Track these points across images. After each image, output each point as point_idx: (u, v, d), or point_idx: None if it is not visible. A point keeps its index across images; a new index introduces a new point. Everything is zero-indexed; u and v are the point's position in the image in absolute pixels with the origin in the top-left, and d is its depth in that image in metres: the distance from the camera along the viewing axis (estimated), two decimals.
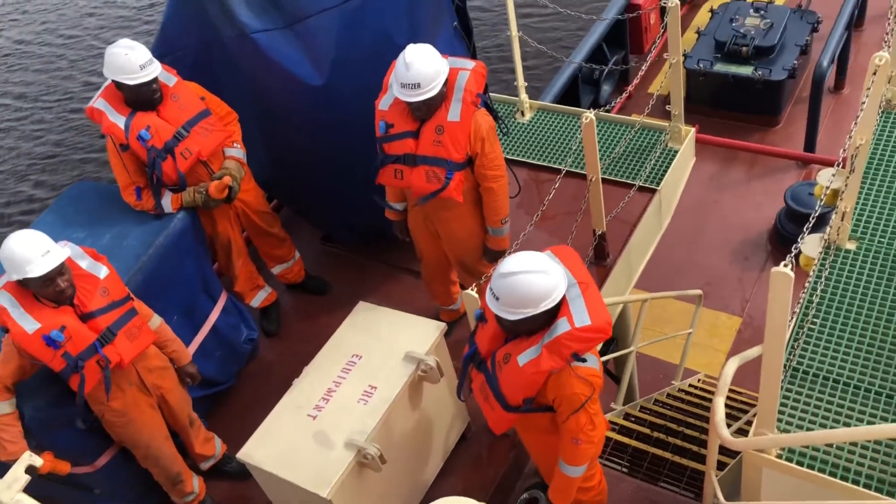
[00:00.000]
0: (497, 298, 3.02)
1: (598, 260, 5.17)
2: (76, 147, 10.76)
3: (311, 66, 4.47)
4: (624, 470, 4.89)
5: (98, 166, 10.46)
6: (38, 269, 3.36)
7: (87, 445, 3.97)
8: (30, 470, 2.19)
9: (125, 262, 4.11)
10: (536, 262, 3.00)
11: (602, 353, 5.39)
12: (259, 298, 5.17)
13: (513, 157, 6.07)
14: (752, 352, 3.44)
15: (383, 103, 4.09)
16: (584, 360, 3.05)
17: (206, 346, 4.63)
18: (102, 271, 3.63)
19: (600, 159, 4.89)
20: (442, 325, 3.99)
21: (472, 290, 3.78)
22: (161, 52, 4.55)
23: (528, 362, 3.07)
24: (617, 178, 5.71)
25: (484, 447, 4.48)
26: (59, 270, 3.43)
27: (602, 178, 4.83)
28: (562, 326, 3.01)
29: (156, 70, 4.16)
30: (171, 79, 4.33)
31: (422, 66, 3.77)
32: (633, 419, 5.60)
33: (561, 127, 6.34)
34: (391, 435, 3.74)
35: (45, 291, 3.44)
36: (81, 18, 13.38)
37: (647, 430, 5.25)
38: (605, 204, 4.98)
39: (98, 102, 4.26)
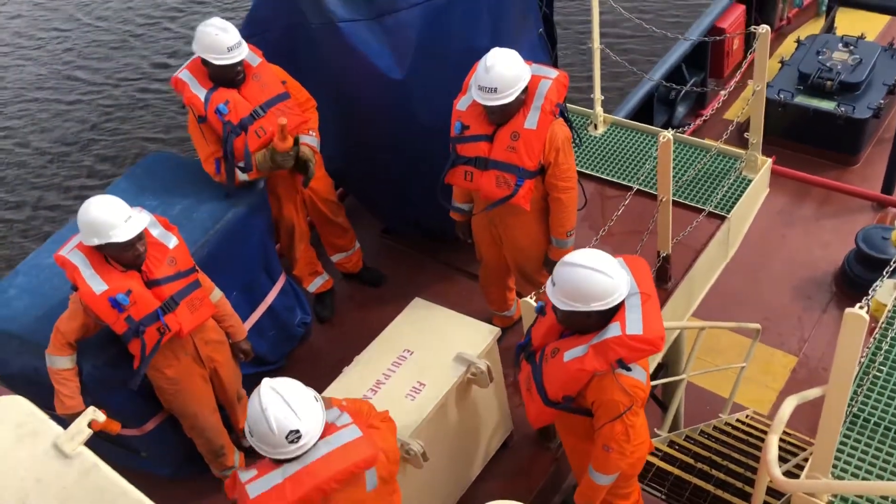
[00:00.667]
0: (554, 284, 3.05)
1: (660, 282, 5.09)
2: (144, 124, 11.00)
3: (392, 60, 4.50)
4: (663, 497, 4.81)
5: (162, 147, 10.68)
6: (122, 234, 3.44)
7: (138, 409, 4.06)
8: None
9: (192, 234, 4.19)
10: (604, 262, 3.01)
11: (652, 377, 5.35)
12: (316, 284, 5.23)
13: (582, 170, 6.02)
14: (812, 393, 3.35)
15: (461, 104, 4.10)
16: (629, 370, 3.02)
17: (262, 324, 4.70)
18: (172, 241, 3.70)
19: (672, 180, 4.81)
20: (496, 331, 3.97)
21: (530, 298, 3.76)
22: (248, 32, 4.63)
23: (573, 359, 3.08)
24: (687, 202, 5.61)
25: (525, 458, 4.44)
26: (139, 235, 3.51)
27: (671, 200, 4.76)
28: (612, 330, 3.01)
29: (242, 53, 4.23)
30: (255, 59, 4.40)
31: (502, 71, 3.76)
32: (676, 447, 5.50)
33: (633, 144, 6.26)
34: (435, 433, 3.74)
35: (123, 255, 3.51)
36: (153, 4, 13.62)
37: (690, 460, 5.15)
38: (672, 226, 4.90)
39: (183, 73, 4.35)
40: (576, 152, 6.09)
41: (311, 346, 5.17)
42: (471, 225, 4.56)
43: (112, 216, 3.46)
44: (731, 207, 5.51)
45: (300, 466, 2.66)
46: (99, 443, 3.86)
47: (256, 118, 4.35)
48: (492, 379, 3.88)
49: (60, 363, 3.63)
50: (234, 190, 4.44)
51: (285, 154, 4.36)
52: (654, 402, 6.17)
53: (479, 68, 3.82)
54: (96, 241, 3.48)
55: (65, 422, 3.62)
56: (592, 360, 3.02)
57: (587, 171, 6.02)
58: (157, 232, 3.68)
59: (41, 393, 3.95)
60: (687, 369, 5.59)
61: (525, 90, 3.86)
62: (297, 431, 2.61)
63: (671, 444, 5.51)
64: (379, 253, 5.72)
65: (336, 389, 3.87)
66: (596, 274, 2.98)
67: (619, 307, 3.03)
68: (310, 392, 2.75)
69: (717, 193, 5.58)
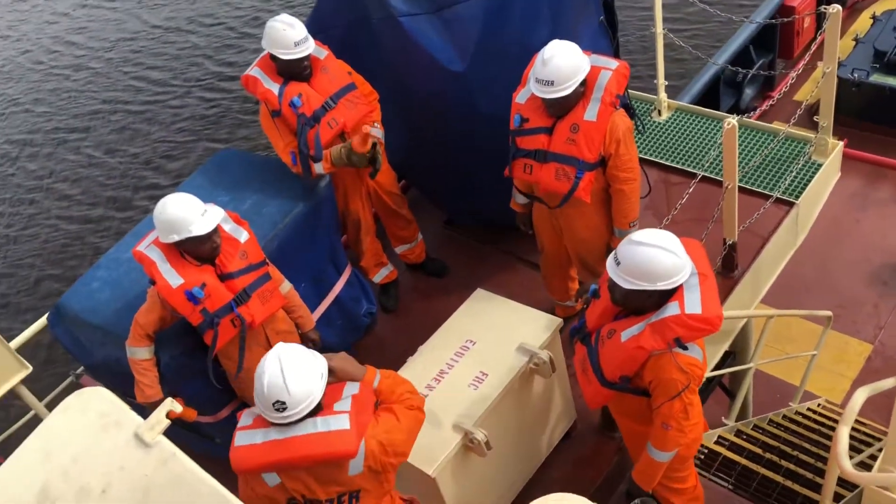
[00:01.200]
0: (618, 263, 3.04)
1: (726, 271, 5.02)
2: (210, 125, 11.20)
3: (453, 52, 4.55)
4: (730, 487, 4.76)
5: (229, 146, 10.86)
6: (200, 227, 3.58)
7: (214, 397, 4.22)
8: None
9: (262, 228, 4.31)
10: (669, 240, 3.02)
11: (718, 366, 5.29)
12: (381, 275, 5.33)
13: (645, 157, 5.96)
14: (887, 383, 3.28)
15: (520, 96, 4.11)
16: (685, 349, 3.02)
17: (329, 314, 4.81)
18: (243, 235, 3.83)
19: (738, 166, 4.73)
20: (558, 321, 3.99)
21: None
22: (313, 29, 4.71)
23: (630, 338, 3.09)
24: (753, 188, 5.50)
25: (588, 447, 4.47)
26: (215, 229, 3.66)
27: (737, 187, 4.68)
28: (671, 309, 3.02)
29: (309, 48, 4.33)
30: (321, 52, 4.49)
31: (559, 64, 3.75)
32: (744, 437, 5.42)
33: (698, 129, 6.16)
34: (498, 423, 3.79)
35: (200, 249, 3.66)
36: (219, 6, 13.78)
37: (758, 450, 5.08)
38: (739, 213, 4.82)
39: (253, 70, 4.48)
40: (639, 139, 6.03)
41: (377, 335, 5.28)
42: (532, 216, 4.57)
43: (189, 212, 3.60)
44: (801, 193, 5.38)
45: (283, 436, 2.78)
46: (176, 429, 4.07)
47: (328, 109, 4.45)
48: (554, 369, 3.90)
49: (140, 354, 3.81)
50: (311, 181, 4.54)
51: (361, 155, 4.46)
52: (722, 390, 6.09)
53: (537, 61, 3.82)
54: (175, 238, 3.62)
55: (143, 410, 3.83)
56: (650, 339, 3.03)
57: (651, 158, 5.96)
58: (228, 227, 3.82)
59: (121, 381, 4.18)
60: (755, 357, 5.50)
61: (584, 82, 3.85)
62: (284, 403, 2.73)
63: (738, 433, 5.44)
64: (442, 244, 5.79)
65: None
66: (663, 252, 2.98)
67: (678, 288, 3.04)
68: (314, 367, 2.82)
69: (786, 179, 5.46)
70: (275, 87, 4.39)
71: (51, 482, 2.28)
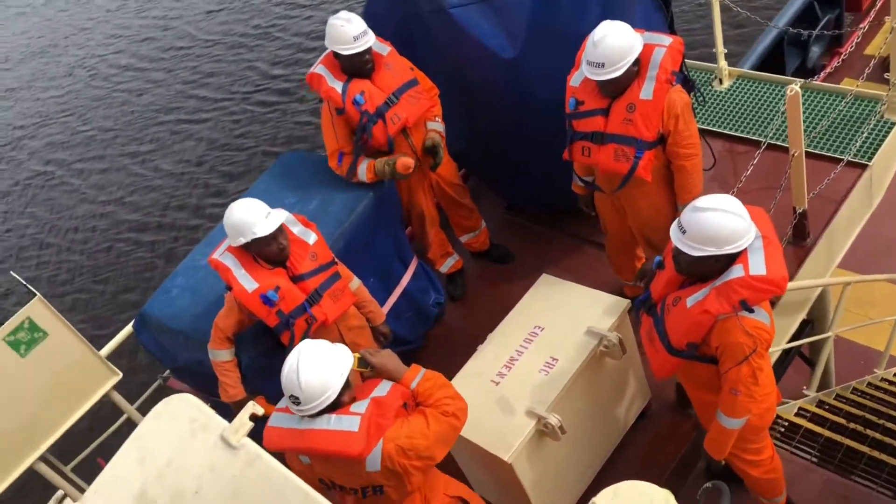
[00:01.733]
0: (683, 232, 3.03)
1: (798, 240, 4.90)
2: (268, 131, 11.34)
3: (504, 39, 4.56)
4: (814, 460, 4.68)
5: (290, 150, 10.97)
6: (263, 229, 3.71)
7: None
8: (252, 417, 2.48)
9: (329, 227, 4.42)
10: (733, 203, 3.00)
11: (796, 336, 5.19)
12: (447, 265, 5.40)
13: (708, 128, 5.84)
14: None
15: (574, 79, 4.09)
16: (751, 311, 3.00)
17: (398, 307, 4.91)
18: (311, 237, 3.94)
19: (805, 131, 4.61)
20: (626, 302, 3.98)
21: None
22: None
23: (695, 303, 3.09)
24: (822, 152, 5.34)
25: (665, 425, 4.45)
26: (280, 230, 3.78)
27: (805, 152, 4.56)
28: (735, 272, 3.00)
29: (368, 41, 4.38)
30: (384, 48, 4.56)
31: (610, 45, 3.72)
32: (826, 407, 5.32)
33: (763, 96, 6.00)
34: (571, 407, 3.81)
35: (267, 250, 3.78)
36: (270, 10, 13.87)
37: (842, 420, 4.98)
38: (808, 180, 4.69)
39: (318, 68, 4.57)
40: (701, 110, 5.93)
41: (447, 324, 5.35)
42: (593, 197, 4.56)
43: (252, 215, 3.74)
44: (873, 154, 5.19)
45: (302, 426, 2.97)
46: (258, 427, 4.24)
47: (391, 105, 4.50)
48: (625, 351, 3.90)
49: (222, 356, 3.98)
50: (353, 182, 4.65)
51: (401, 174, 4.57)
52: (802, 360, 5.97)
53: (588, 43, 3.80)
54: (242, 241, 3.76)
55: (227, 408, 3.99)
56: (715, 303, 3.02)
57: (714, 129, 5.84)
58: (297, 230, 3.94)
59: (205, 382, 4.37)
60: (833, 325, 5.38)
61: (637, 61, 3.81)
62: (297, 398, 2.91)
63: (820, 403, 5.35)
64: (504, 230, 5.81)
65: (472, 368, 4.02)
66: (728, 216, 2.96)
67: (741, 252, 3.02)
68: (332, 366, 2.94)
69: (857, 140, 5.28)
70: (338, 85, 4.46)
71: (147, 485, 2.43)
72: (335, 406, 2.95)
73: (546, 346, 3.94)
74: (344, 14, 4.42)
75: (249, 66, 12.66)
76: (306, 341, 3.01)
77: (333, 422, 2.93)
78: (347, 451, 2.88)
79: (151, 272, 9.61)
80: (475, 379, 3.95)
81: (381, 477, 2.95)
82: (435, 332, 5.29)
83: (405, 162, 4.52)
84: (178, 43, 13.85)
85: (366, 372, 3.18)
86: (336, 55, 4.45)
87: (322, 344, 3.02)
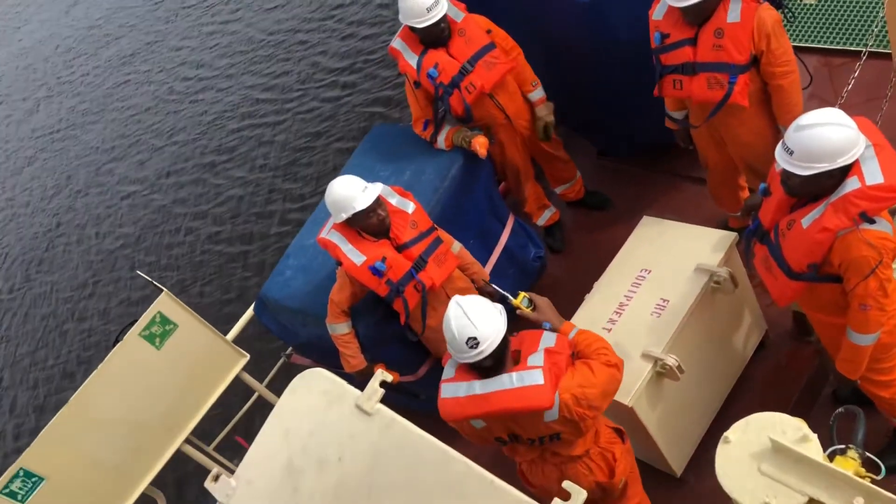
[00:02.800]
0: (791, 153, 2.95)
1: None
2: (331, 135, 11.34)
3: None
4: None
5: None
6: (362, 202, 3.83)
7: (411, 357, 4.52)
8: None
9: (425, 194, 4.51)
10: (836, 115, 2.90)
11: None
12: (544, 217, 5.42)
13: (801, 45, 5.59)
14: None
15: (657, 13, 4.01)
16: (872, 222, 2.90)
17: (500, 265, 4.96)
18: (410, 206, 4.04)
19: None
20: (733, 235, 3.92)
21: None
22: None
23: (812, 222, 3.00)
24: None
25: (784, 355, 4.38)
26: (378, 202, 3.89)
27: None
28: (851, 185, 2.91)
29: (441, 11, 4.39)
30: (458, 14, 4.53)
31: None
32: None
33: (856, 1, 5.68)
34: (687, 346, 3.80)
35: (368, 223, 3.91)
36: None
37: None
38: None
39: (396, 42, 4.64)
40: (790, 26, 5.67)
41: (551, 276, 5.38)
42: (689, 131, 4.47)
43: (350, 190, 3.87)
44: None
45: (483, 391, 3.00)
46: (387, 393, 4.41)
47: (466, 74, 4.51)
48: (736, 285, 3.85)
49: (340, 329, 4.15)
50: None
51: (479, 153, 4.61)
52: None
53: None
54: (344, 216, 3.89)
55: (352, 379, 4.17)
56: (833, 218, 2.93)
57: (807, 45, 5.58)
58: (395, 200, 4.04)
59: (326, 355, 4.57)
60: None
61: None
62: (476, 339, 2.92)
63: None
64: (598, 176, 5.76)
65: (581, 317, 4.05)
66: (835, 128, 2.87)
67: (854, 163, 2.92)
68: (491, 307, 3.02)
69: None
70: (413, 60, 4.53)
71: (293, 456, 2.60)
72: (504, 357, 3.03)
73: (655, 288, 3.93)
74: None
75: (311, 61, 12.77)
76: (456, 297, 3.09)
77: (516, 379, 2.98)
78: (539, 404, 2.94)
79: (245, 280, 9.92)
80: (587, 327, 3.96)
81: (557, 425, 3.03)
82: (539, 284, 5.31)
83: (480, 141, 4.57)
84: (238, 47, 14.07)
85: (527, 312, 3.33)
86: (411, 28, 4.48)
87: (471, 295, 3.11)
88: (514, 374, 2.98)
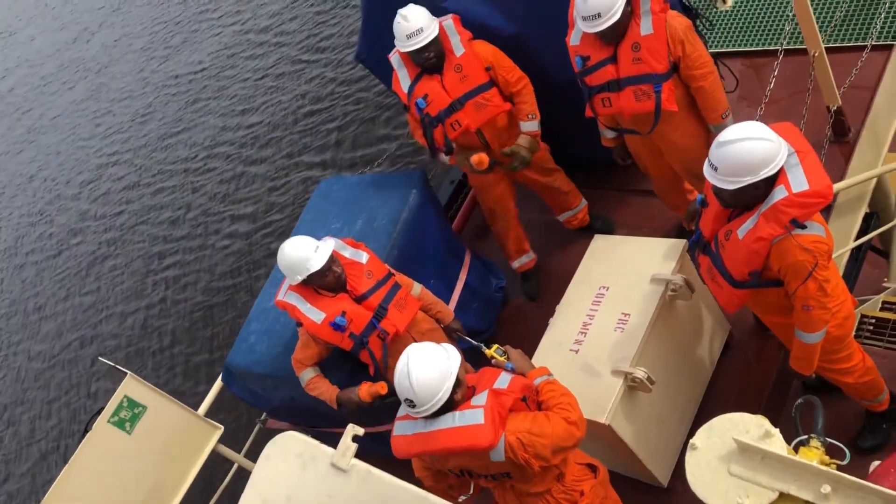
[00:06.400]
0: (715, 168, 3.05)
1: (839, 137, 4.82)
2: (311, 162, 11.31)
3: (503, 19, 4.61)
4: None
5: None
6: (316, 262, 3.82)
7: (386, 406, 4.48)
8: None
9: (380, 241, 4.54)
10: (755, 129, 3.00)
11: (863, 232, 5.09)
12: (520, 262, 5.32)
13: (723, 50, 5.78)
14: None
15: (573, 39, 4.14)
16: (804, 227, 2.99)
17: (464, 300, 4.97)
18: (363, 256, 4.05)
19: (821, 28, 4.53)
20: (683, 242, 3.99)
21: None
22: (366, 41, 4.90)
23: (746, 233, 3.09)
24: (844, 44, 5.23)
25: (751, 352, 4.44)
26: (332, 259, 3.89)
27: (826, 49, 4.49)
28: (778, 194, 3.00)
29: (425, 39, 4.25)
30: (460, 48, 4.39)
31: None
32: None
33: (768, 4, 5.89)
34: (654, 356, 3.85)
35: (325, 281, 3.89)
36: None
37: None
38: (836, 75, 4.62)
39: (394, 58, 4.54)
40: (710, 35, 5.86)
41: (514, 305, 5.40)
42: (626, 146, 4.57)
43: (302, 252, 3.85)
44: None
45: (427, 429, 3.04)
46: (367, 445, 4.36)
47: (454, 111, 4.45)
48: (693, 290, 3.92)
49: (307, 375, 4.10)
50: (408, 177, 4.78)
51: (479, 170, 4.58)
52: (877, 253, 5.85)
53: (577, 1, 3.83)
54: (299, 278, 3.88)
55: (328, 439, 4.12)
56: (766, 228, 3.02)
57: (728, 49, 5.77)
58: (348, 253, 4.05)
59: (301, 416, 4.53)
60: None
61: (628, 1, 3.82)
62: (411, 401, 2.98)
63: None
64: (540, 199, 5.79)
65: (548, 341, 4.08)
66: (753, 142, 2.96)
67: (780, 171, 3.01)
68: (440, 367, 2.99)
69: (877, 23, 5.15)
70: (406, 84, 4.48)
71: None
72: (450, 405, 3.03)
73: (615, 304, 3.98)
74: (405, 9, 4.29)
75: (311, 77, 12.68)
76: (413, 345, 3.09)
77: (458, 418, 3.00)
78: (478, 444, 2.95)
79: (217, 327, 9.88)
80: (554, 351, 4.01)
81: (506, 465, 3.03)
82: (504, 314, 5.34)
83: (479, 158, 4.51)
84: (211, 84, 13.90)
85: (502, 361, 3.35)
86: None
87: (428, 345, 3.10)
88: (456, 414, 3.01)
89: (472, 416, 2.98)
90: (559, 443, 3.02)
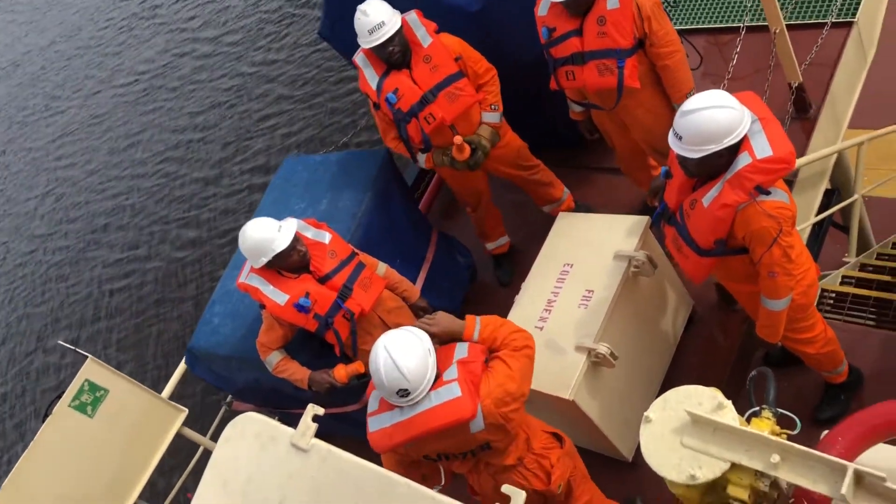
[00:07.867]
0: (680, 138, 3.07)
1: (800, 113, 4.86)
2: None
3: None
4: (870, 323, 4.70)
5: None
6: (281, 242, 3.76)
7: (353, 387, 4.47)
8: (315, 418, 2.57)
9: (344, 222, 4.50)
10: (719, 97, 3.02)
11: (824, 207, 5.16)
12: (496, 245, 5.31)
13: (687, 27, 5.78)
14: None
15: (541, 9, 4.14)
16: (768, 194, 3.02)
17: (431, 279, 4.95)
18: (326, 237, 4.01)
19: (782, 5, 4.55)
20: (645, 219, 4.01)
21: None
22: (332, 15, 4.84)
23: (711, 200, 3.12)
24: (804, 21, 5.27)
25: (714, 326, 4.50)
26: (296, 239, 3.84)
27: (787, 26, 4.52)
28: (742, 160, 3.03)
29: (387, 33, 4.14)
30: (426, 38, 4.28)
31: None
32: (870, 269, 5.32)
33: None
34: (617, 333, 3.88)
35: (289, 261, 3.84)
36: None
37: (888, 278, 4.97)
38: (797, 51, 4.65)
39: (359, 57, 4.42)
40: (674, 12, 5.86)
41: (482, 283, 5.41)
42: (592, 120, 4.57)
43: (266, 233, 3.78)
44: (856, 9, 5.11)
45: (406, 416, 2.97)
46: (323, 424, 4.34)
47: (426, 104, 4.31)
48: (655, 266, 3.94)
49: (274, 358, 4.05)
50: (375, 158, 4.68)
51: (464, 162, 4.45)
52: (837, 229, 5.94)
53: None
54: (264, 260, 3.81)
55: (291, 419, 4.11)
56: (731, 194, 3.05)
57: (692, 27, 5.78)
58: (310, 234, 4.00)
59: (266, 397, 4.50)
60: (858, 186, 5.34)
61: None
62: (405, 390, 2.91)
63: (863, 267, 5.34)
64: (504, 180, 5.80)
65: (514, 318, 4.07)
66: (717, 110, 2.98)
67: (743, 139, 3.03)
68: (420, 347, 2.96)
69: (836, 0, 5.19)
70: (374, 81, 4.34)
71: None
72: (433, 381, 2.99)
73: (579, 281, 4.00)
74: (363, 4, 4.18)
75: (236, 72, 12.59)
76: (383, 335, 3.02)
77: (434, 397, 2.96)
78: (461, 416, 2.92)
79: (180, 310, 9.81)
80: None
81: (486, 434, 3.02)
82: (472, 293, 5.33)
83: (459, 146, 4.38)
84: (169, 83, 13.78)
85: (426, 326, 3.24)
86: None
87: (397, 333, 3.02)
88: (432, 394, 2.96)
89: (449, 390, 2.95)
90: (525, 372, 3.04)
